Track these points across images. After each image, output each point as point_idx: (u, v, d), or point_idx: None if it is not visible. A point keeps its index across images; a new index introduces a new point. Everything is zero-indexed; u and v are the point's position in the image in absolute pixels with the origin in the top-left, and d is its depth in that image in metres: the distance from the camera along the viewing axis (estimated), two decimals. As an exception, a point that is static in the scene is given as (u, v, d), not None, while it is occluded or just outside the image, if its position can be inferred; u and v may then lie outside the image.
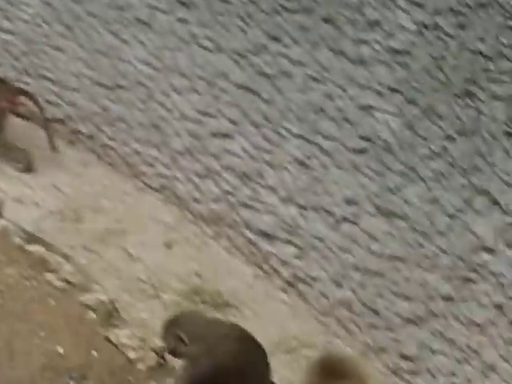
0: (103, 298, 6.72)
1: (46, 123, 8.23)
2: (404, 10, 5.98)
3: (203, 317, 6.08)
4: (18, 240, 7.14)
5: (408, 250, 6.28)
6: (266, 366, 5.92)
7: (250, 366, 5.85)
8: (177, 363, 6.10)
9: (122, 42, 7.78)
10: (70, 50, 8.16)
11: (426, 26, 5.90)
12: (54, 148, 8.20)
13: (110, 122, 8.06)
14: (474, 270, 6.04)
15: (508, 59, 5.65)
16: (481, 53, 5.76)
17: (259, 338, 5.92)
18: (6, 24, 8.51)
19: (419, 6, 5.89)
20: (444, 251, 6.18)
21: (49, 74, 8.38)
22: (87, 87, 8.14)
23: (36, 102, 8.21)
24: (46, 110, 8.18)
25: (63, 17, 8.16)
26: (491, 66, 5.78)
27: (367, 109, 6.34)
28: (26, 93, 8.29)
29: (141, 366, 6.19)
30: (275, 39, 6.78)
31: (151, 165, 7.91)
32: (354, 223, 6.58)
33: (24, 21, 8.39)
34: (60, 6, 8.12)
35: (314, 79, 6.61)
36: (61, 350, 6.21)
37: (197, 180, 7.56)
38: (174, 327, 5.76)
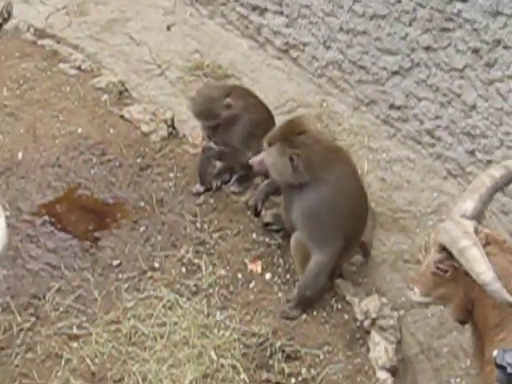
0: (114, 80, 6.52)
1: None
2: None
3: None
4: (29, 36, 6.87)
5: (389, 8, 5.96)
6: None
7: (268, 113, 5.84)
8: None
9: None
10: None
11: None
12: None
13: None
14: (451, 19, 5.81)
15: None
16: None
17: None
18: None
19: None
20: (421, 5, 5.90)
21: None
22: None
23: None
24: None
25: None
26: None
27: None
28: None
29: (154, 138, 6.06)
30: None
31: None
32: (338, -15, 6.34)
33: None
34: None
35: None
36: (80, 131, 6.12)
37: None
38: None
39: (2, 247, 4.08)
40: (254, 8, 6.89)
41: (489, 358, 4.02)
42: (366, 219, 5.27)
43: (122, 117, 6.20)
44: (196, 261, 5.34)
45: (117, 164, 5.87)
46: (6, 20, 6.91)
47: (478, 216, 4.14)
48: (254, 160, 5.39)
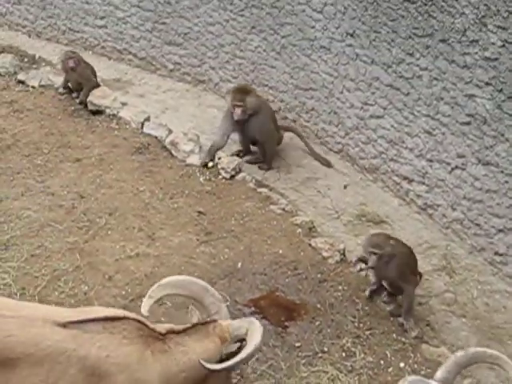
0: (306, 219, 6.83)
1: (313, 152, 7.80)
2: (493, 32, 5.86)
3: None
4: (252, 185, 7.31)
5: (499, 186, 6.16)
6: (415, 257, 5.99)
7: (410, 252, 5.96)
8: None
9: (313, 61, 7.64)
10: (279, 67, 8.04)
11: (508, 42, 5.78)
12: (326, 162, 7.72)
13: (306, 111, 7.93)
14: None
15: None
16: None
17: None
18: (239, 53, 8.36)
19: (504, 28, 5.75)
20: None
21: (267, 83, 8.24)
22: (291, 90, 7.99)
23: (300, 136, 7.89)
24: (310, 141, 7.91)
25: (275, 47, 7.96)
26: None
27: (471, 96, 6.17)
28: (289, 128, 7.97)
29: (330, 261, 6.31)
30: (410, 54, 6.60)
31: (331, 136, 7.72)
32: (463, 169, 6.43)
33: (251, 50, 8.24)
34: (273, 39, 7.93)
35: (435, 79, 6.45)
36: (281, 252, 6.43)
37: (362, 145, 7.38)
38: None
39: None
40: (405, 178, 7.02)
41: None
42: None
43: (309, 245, 6.45)
44: (353, 349, 5.48)
45: (304, 276, 6.10)
46: (237, 173, 7.32)
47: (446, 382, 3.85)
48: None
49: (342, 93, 7.46)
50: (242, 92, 7.43)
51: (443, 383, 3.83)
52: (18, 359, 3.69)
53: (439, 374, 3.86)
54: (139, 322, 3.91)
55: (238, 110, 7.34)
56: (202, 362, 3.87)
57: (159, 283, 4.18)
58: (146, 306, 4.12)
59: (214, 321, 4.08)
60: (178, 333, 3.99)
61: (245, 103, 7.33)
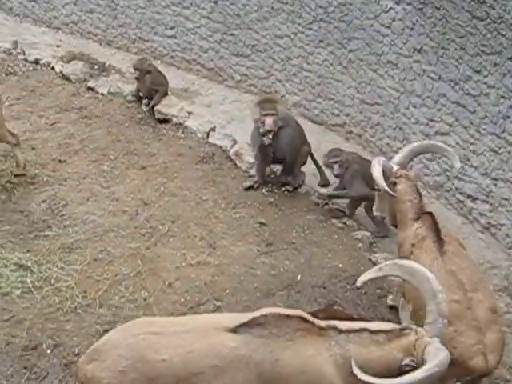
0: (367, 234, 6.94)
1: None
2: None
3: None
4: (314, 198, 7.39)
5: None
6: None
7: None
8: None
9: (379, 76, 7.72)
10: (346, 81, 8.14)
11: None
12: None
13: (371, 126, 7.99)
14: None
15: None
16: None
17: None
18: (306, 66, 8.49)
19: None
20: None
21: (333, 97, 8.32)
22: (357, 104, 8.06)
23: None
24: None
25: (342, 61, 8.09)
26: None
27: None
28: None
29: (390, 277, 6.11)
30: (477, 72, 6.63)
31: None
32: (528, 188, 6.44)
33: (318, 64, 8.36)
34: (340, 53, 8.03)
35: (503, 97, 6.47)
36: (340, 265, 6.51)
37: (426, 162, 7.35)
38: None
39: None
40: (469, 196, 7.03)
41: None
42: None
43: (370, 260, 6.53)
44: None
45: (363, 291, 6.10)
46: (300, 186, 7.42)
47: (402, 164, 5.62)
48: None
49: (407, 108, 7.50)
50: (271, 101, 7.27)
51: (400, 165, 5.61)
52: (202, 373, 3.73)
53: (396, 157, 5.71)
54: (301, 318, 3.88)
55: (270, 120, 7.08)
56: (356, 371, 3.71)
57: (396, 262, 4.14)
58: (368, 276, 4.14)
59: (415, 330, 3.86)
60: (372, 331, 3.85)
61: (276, 111, 7.15)
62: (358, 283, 4.15)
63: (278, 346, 3.77)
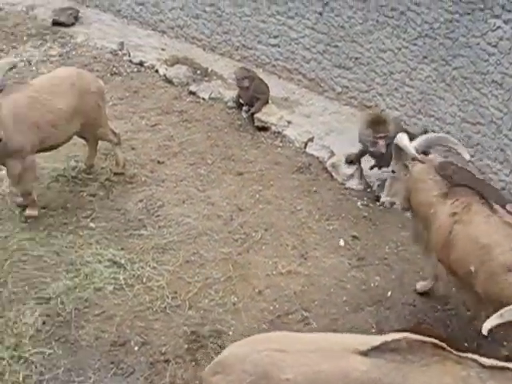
0: None
1: None
2: None
3: None
4: (409, 214, 6.74)
5: None
6: None
7: None
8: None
9: (483, 95, 7.56)
10: (448, 99, 8.01)
11: None
12: None
13: (472, 146, 7.77)
14: None
15: None
16: None
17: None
18: (408, 81, 8.49)
19: None
20: None
21: (434, 114, 8.23)
22: (458, 122, 7.92)
23: None
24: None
25: (446, 78, 7.99)
26: None
27: None
28: None
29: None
30: None
31: (495, 173, 7.48)
32: None
33: (421, 80, 8.28)
34: (444, 70, 7.97)
35: None
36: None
37: None
38: None
39: None
40: None
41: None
42: None
43: None
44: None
45: (453, 313, 6.03)
46: None
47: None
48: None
49: (510, 130, 7.36)
50: (382, 122, 7.31)
51: (416, 150, 5.66)
52: None
53: (415, 142, 5.75)
54: (437, 345, 3.75)
55: (383, 142, 7.25)
56: None
57: None
58: (492, 323, 3.99)
59: None
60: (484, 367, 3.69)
61: (388, 132, 7.20)
62: (484, 331, 3.97)
63: (411, 371, 3.67)
